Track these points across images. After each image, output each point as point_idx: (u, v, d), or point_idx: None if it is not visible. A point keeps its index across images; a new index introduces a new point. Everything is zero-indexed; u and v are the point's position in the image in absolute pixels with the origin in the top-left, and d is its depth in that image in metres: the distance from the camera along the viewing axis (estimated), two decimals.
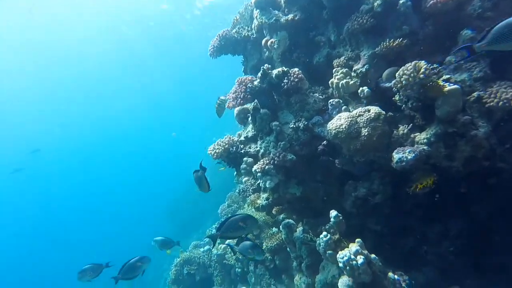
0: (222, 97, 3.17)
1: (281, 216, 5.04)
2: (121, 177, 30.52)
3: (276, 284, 4.69)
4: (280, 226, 4.47)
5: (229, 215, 3.15)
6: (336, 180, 3.25)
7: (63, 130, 28.89)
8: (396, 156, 2.38)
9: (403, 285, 2.42)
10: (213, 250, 6.07)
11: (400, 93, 2.53)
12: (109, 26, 17.14)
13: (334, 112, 3.02)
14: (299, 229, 4.28)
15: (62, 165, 30.69)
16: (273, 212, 3.42)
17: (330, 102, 3.06)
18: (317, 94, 3.19)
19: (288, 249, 4.25)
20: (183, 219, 14.83)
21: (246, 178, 4.22)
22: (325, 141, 3.27)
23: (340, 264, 2.41)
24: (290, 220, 4.43)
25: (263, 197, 3.60)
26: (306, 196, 3.31)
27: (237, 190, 4.88)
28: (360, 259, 2.33)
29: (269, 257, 4.81)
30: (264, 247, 4.92)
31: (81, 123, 29.45)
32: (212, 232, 6.72)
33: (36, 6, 14.13)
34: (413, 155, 2.32)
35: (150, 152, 32.19)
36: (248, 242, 3.06)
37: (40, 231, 26.02)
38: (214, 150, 3.20)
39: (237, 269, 5.14)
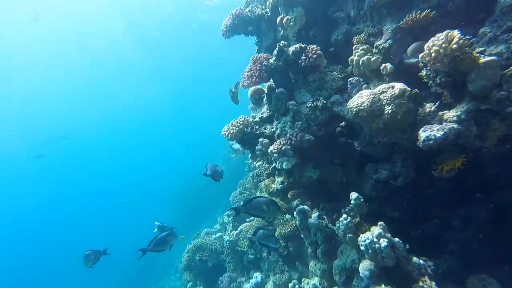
0: (234, 89, 3.04)
1: (295, 202, 4.95)
2: (131, 167, 31.02)
3: (289, 271, 4.63)
4: (295, 212, 4.38)
5: (256, 195, 3.11)
6: (354, 162, 3.11)
7: (85, 119, 29.41)
8: (423, 134, 2.23)
9: (429, 270, 2.30)
10: (225, 236, 6.04)
11: (428, 67, 2.35)
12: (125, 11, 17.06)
13: (353, 91, 2.86)
14: (314, 215, 4.17)
15: (80, 154, 31.38)
16: (288, 196, 3.32)
17: (349, 81, 2.90)
18: (335, 73, 3.03)
19: (302, 235, 4.16)
20: (192, 208, 14.87)
21: (259, 163, 4.12)
22: (343, 122, 3.13)
23: (362, 248, 2.30)
24: (304, 206, 4.33)
25: (278, 181, 3.50)
26: (323, 179, 3.19)
27: (249, 176, 4.79)
28: (383, 242, 2.22)
29: (282, 244, 4.73)
30: (277, 233, 4.84)
31: (98, 113, 29.88)
32: (225, 218, 6.71)
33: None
34: (442, 133, 2.16)
35: (159, 142, 32.59)
36: (263, 231, 3.00)
37: (54, 215, 26.76)
38: (229, 131, 3.10)
39: (249, 256, 5.10)
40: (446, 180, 2.71)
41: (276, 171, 3.65)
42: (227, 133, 3.10)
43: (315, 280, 4.11)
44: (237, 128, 3.07)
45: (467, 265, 2.83)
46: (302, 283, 4.20)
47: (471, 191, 2.70)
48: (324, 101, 2.74)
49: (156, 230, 4.64)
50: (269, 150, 2.91)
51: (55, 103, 26.07)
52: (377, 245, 2.23)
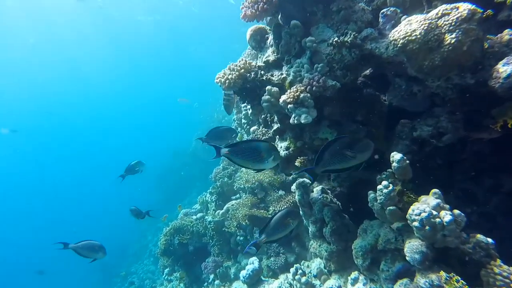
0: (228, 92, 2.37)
1: (291, 176, 4.34)
2: (107, 146, 29.17)
3: (285, 253, 4.07)
4: (293, 186, 3.77)
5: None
6: (381, 120, 2.50)
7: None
8: (504, 69, 1.63)
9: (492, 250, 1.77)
10: (207, 217, 5.36)
11: None
12: None
13: (388, 25, 2.20)
14: (317, 188, 3.60)
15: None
16: (296, 164, 2.67)
17: (382, 13, 2.23)
18: (362, 4, 2.35)
19: (301, 213, 3.59)
20: (171, 187, 14.23)
21: (255, 127, 3.42)
22: (369, 70, 2.49)
23: (415, 224, 1.71)
24: (305, 179, 3.73)
25: (281, 147, 2.83)
26: None
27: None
28: (446, 216, 1.64)
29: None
30: (271, 211, 4.24)
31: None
32: (207, 196, 6.00)
33: None
34: None
35: (135, 121, 30.85)
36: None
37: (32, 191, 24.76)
38: (225, 77, 2.33)
39: (238, 237, 4.47)
40: (487, 142, 2.22)
41: (277, 136, 2.98)
42: (223, 80, 2.33)
43: (317, 262, 3.58)
44: (236, 74, 2.30)
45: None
46: (302, 266, 3.66)
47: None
48: (355, 34, 2.06)
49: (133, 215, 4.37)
50: (280, 101, 2.21)
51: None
52: (437, 220, 1.64)
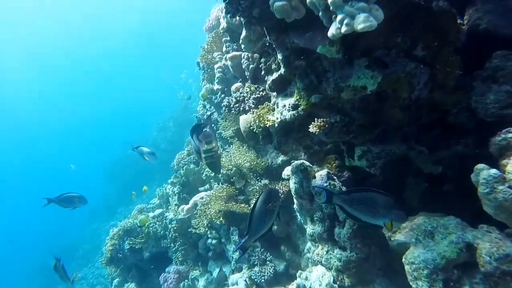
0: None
1: (280, 158, 3.33)
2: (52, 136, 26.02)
3: (273, 260, 3.07)
4: (289, 170, 2.75)
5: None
6: (454, 55, 1.56)
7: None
8: None
9: None
10: (168, 214, 4.20)
11: None
12: None
13: None
14: (321, 173, 2.65)
15: None
16: (311, 130, 1.65)
17: None
18: None
19: (296, 206, 2.65)
20: (126, 182, 12.75)
21: (237, 84, 2.36)
22: None
23: None
24: (303, 160, 2.75)
25: (285, 106, 1.80)
26: (386, 94, 1.59)
27: (223, 108, 2.97)
28: None
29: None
30: (253, 204, 3.20)
31: None
32: (168, 188, 4.79)
33: None
34: None
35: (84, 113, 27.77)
36: None
37: None
38: None
39: (210, 240, 3.39)
40: None
41: (275, 93, 1.94)
42: None
43: (320, 272, 2.65)
44: None
45: None
46: (301, 278, 2.69)
47: None
48: None
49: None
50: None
51: None
52: None
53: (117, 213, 12.38)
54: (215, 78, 3.36)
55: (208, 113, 4.26)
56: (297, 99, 1.77)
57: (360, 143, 1.92)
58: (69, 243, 13.41)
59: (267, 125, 1.96)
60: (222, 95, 3.47)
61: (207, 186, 4.07)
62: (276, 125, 1.96)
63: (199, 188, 4.10)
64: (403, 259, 1.58)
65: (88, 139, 23.39)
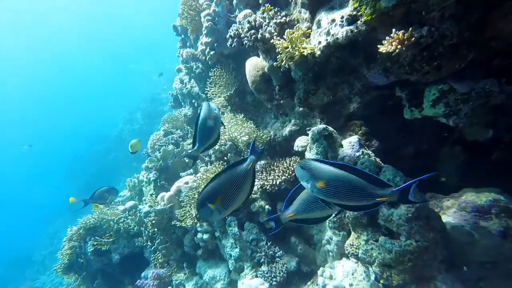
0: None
1: (287, 128, 2.71)
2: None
3: (282, 255, 2.43)
4: (309, 136, 2.12)
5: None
6: None
7: None
8: None
9: None
10: (142, 207, 3.40)
11: None
12: None
13: None
14: (350, 140, 2.13)
15: None
16: (382, 49, 1.02)
17: None
18: None
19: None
20: (91, 178, 11.60)
21: (246, 11, 1.68)
22: None
23: None
24: (326, 125, 2.17)
25: (335, 20, 1.15)
26: None
27: (229, 40, 2.24)
28: None
29: (266, 207, 2.47)
30: (258, 187, 2.55)
31: None
32: (143, 175, 3.96)
33: None
34: None
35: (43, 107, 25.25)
36: None
37: None
38: None
39: (200, 235, 2.67)
40: None
41: (309, 14, 1.28)
42: None
43: (349, 268, 2.09)
44: None
45: None
46: (324, 276, 2.09)
47: None
48: None
49: None
50: None
51: None
52: None
53: (80, 212, 11.19)
54: (203, 29, 2.63)
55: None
56: (355, 8, 1.13)
57: (435, 79, 1.32)
58: (23, 249, 11.96)
59: (305, 54, 1.31)
60: (211, 53, 2.74)
61: (191, 170, 3.33)
62: (319, 52, 1.31)
63: (180, 174, 3.35)
64: None
65: (45, 133, 21.24)
